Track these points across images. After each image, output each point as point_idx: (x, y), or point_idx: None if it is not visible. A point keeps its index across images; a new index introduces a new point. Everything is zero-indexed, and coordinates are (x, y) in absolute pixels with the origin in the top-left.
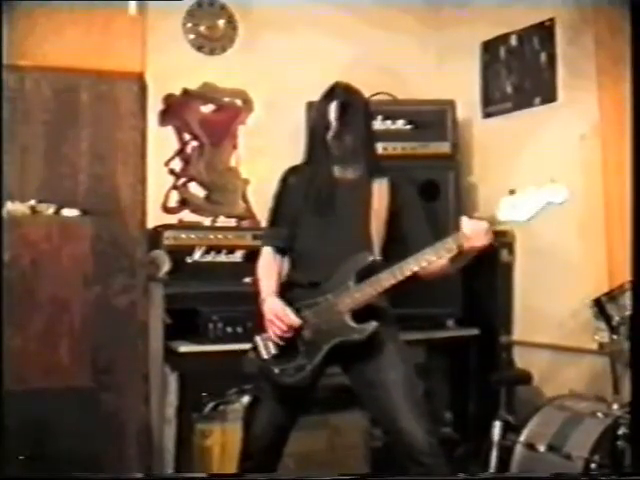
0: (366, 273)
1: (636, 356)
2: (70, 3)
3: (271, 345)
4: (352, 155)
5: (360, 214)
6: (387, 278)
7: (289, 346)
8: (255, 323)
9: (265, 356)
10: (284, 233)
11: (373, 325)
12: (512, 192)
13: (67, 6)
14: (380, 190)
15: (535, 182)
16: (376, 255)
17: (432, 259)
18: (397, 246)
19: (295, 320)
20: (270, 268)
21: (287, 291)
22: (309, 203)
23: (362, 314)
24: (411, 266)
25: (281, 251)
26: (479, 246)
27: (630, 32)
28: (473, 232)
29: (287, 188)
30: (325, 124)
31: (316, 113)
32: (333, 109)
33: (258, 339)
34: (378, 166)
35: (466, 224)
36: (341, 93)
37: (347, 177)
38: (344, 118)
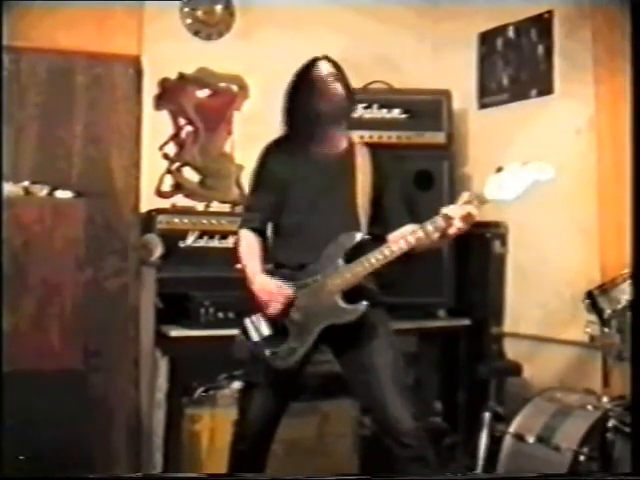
0: (355, 252)
1: (636, 353)
2: (70, 3)
3: (261, 326)
4: (337, 124)
5: (346, 189)
6: (377, 257)
7: (279, 328)
8: (246, 307)
9: (256, 338)
10: (262, 213)
11: (364, 305)
12: (499, 169)
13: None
14: (363, 162)
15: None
16: (364, 233)
17: (421, 237)
18: (377, 222)
19: (289, 291)
20: (252, 249)
21: (275, 273)
22: (294, 179)
23: (352, 295)
24: (401, 245)
25: (260, 232)
26: (463, 228)
27: (630, 31)
28: (455, 214)
29: (268, 164)
30: (319, 94)
31: (307, 84)
32: (326, 75)
33: (247, 321)
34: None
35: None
36: (330, 68)
37: (331, 151)
38: (337, 85)
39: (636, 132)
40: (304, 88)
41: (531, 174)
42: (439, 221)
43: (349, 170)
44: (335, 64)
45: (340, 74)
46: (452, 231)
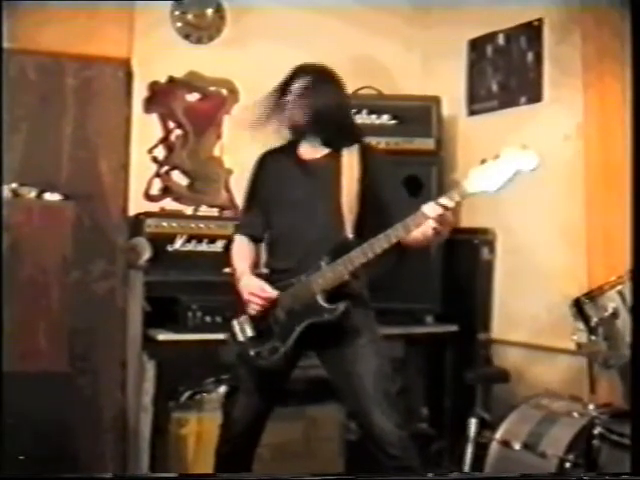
0: (339, 252)
1: (636, 356)
2: (61, 4)
3: (247, 327)
4: (330, 137)
5: (331, 192)
6: (358, 256)
7: (264, 328)
8: (234, 311)
9: (241, 338)
10: (257, 221)
11: (344, 304)
12: (484, 161)
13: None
14: (350, 161)
15: (518, 181)
16: (348, 232)
17: (402, 235)
18: (379, 217)
19: (272, 292)
20: (243, 252)
21: (267, 277)
22: (283, 186)
23: (339, 297)
24: (381, 243)
25: (254, 238)
26: (439, 229)
27: (631, 31)
28: (431, 211)
29: (261, 172)
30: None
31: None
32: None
33: (234, 322)
34: (346, 137)
35: (426, 206)
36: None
37: (317, 156)
38: (306, 91)
39: (636, 133)
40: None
41: (513, 164)
42: (418, 217)
43: (334, 171)
44: (315, 75)
45: (316, 87)
46: (434, 225)
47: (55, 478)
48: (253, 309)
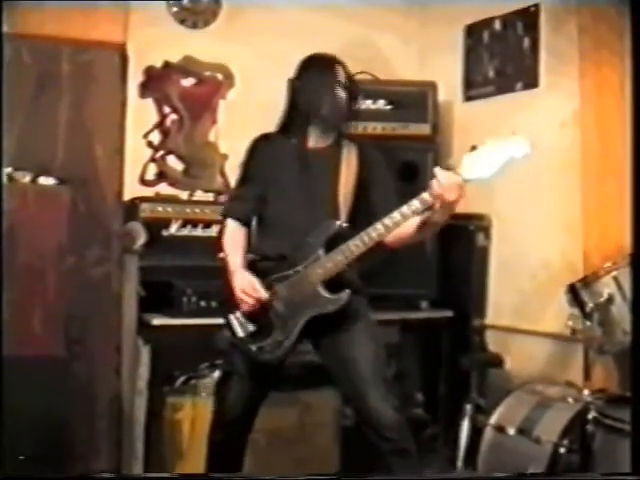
0: (335, 241)
1: (636, 350)
2: (69, 3)
3: (246, 322)
4: (333, 129)
5: (328, 182)
6: (356, 244)
7: (264, 322)
8: (224, 299)
9: (241, 334)
10: (249, 204)
11: (347, 293)
12: (474, 148)
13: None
14: (349, 156)
15: (514, 167)
16: (342, 221)
17: (398, 218)
18: (365, 215)
19: (263, 293)
20: (235, 241)
21: (258, 265)
22: (279, 172)
23: (333, 285)
24: (379, 230)
25: (245, 222)
26: (449, 200)
27: (631, 30)
28: (445, 183)
29: (256, 156)
30: (319, 98)
31: (309, 85)
32: (339, 93)
33: (232, 317)
34: (348, 133)
35: (439, 174)
36: (343, 76)
37: (318, 146)
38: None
39: (636, 130)
40: (311, 87)
41: (506, 150)
42: (414, 205)
43: (334, 163)
44: (346, 70)
45: (350, 81)
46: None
47: (55, 478)
48: (246, 307)
